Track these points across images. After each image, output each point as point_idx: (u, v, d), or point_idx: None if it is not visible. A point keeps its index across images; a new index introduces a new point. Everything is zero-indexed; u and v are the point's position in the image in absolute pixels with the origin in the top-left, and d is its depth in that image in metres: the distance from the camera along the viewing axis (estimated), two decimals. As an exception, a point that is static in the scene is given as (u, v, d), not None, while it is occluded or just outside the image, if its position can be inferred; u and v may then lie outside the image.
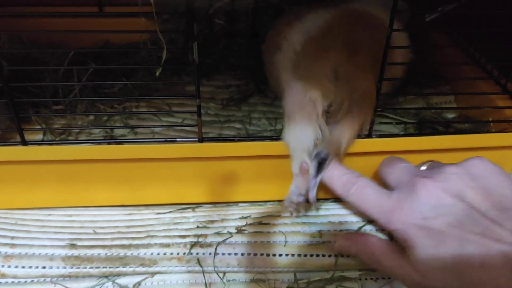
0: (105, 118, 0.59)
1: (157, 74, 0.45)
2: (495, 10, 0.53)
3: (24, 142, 0.46)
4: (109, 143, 0.48)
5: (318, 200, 0.53)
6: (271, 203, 0.53)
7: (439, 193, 0.37)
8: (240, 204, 0.53)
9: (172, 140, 0.48)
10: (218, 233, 0.48)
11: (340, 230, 0.48)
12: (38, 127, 0.56)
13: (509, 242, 0.33)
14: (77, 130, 0.57)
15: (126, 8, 0.70)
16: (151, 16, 0.75)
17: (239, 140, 0.49)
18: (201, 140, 0.48)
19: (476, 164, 0.38)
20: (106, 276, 0.45)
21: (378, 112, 0.49)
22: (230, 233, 0.48)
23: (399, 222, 0.38)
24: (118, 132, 0.57)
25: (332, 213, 0.51)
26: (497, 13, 0.54)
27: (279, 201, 0.53)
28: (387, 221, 0.40)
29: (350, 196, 0.43)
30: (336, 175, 0.45)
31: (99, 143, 0.48)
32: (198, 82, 0.45)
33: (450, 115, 0.62)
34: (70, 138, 0.55)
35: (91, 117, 0.59)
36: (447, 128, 0.56)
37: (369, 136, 0.49)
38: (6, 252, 0.45)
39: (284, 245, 0.46)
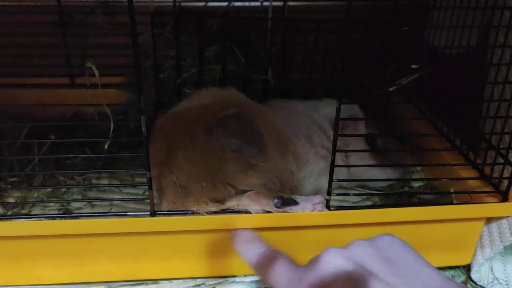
0: (63, 189, 0.58)
1: (106, 147, 0.44)
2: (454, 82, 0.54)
3: (-33, 218, 0.45)
4: (52, 218, 0.47)
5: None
6: (228, 278, 0.51)
7: (340, 260, 0.37)
8: (198, 280, 0.51)
9: (122, 214, 0.47)
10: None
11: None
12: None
13: None
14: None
15: (97, 80, 0.71)
16: (123, 87, 0.76)
17: (192, 214, 0.47)
18: (153, 213, 0.47)
19: (383, 238, 0.40)
20: None
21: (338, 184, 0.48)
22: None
23: None
24: (74, 205, 0.56)
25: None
26: (457, 85, 0.55)
27: (234, 276, 0.51)
28: None
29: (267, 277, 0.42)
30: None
31: (49, 218, 0.47)
32: (148, 155, 0.44)
33: (416, 184, 0.61)
34: (23, 211, 0.53)
35: (49, 189, 0.58)
36: (411, 198, 0.55)
37: (327, 208, 0.48)
38: None
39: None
